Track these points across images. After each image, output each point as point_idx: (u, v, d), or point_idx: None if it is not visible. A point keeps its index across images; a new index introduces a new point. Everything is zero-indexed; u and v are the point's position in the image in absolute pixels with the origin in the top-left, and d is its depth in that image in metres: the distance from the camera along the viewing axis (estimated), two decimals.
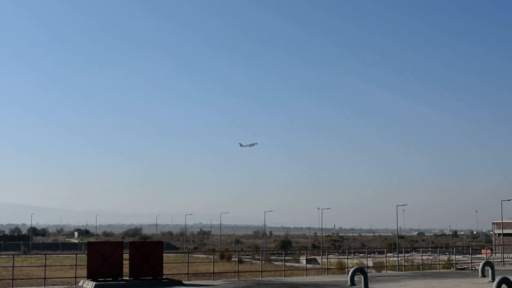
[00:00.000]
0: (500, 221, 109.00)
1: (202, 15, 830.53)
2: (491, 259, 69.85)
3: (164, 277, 30.85)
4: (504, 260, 60.70)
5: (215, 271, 37.49)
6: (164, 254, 31.06)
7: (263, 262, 55.70)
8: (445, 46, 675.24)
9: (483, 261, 35.36)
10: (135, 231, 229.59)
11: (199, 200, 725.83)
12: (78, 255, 37.68)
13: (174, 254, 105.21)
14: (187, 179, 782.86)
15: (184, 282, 31.96)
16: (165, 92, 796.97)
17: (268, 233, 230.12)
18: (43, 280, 32.50)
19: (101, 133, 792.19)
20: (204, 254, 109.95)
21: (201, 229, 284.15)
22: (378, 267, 62.09)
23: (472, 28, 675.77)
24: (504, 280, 21.05)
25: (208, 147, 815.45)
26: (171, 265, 65.03)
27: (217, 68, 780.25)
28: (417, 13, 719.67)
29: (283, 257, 54.06)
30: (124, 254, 29.79)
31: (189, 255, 53.81)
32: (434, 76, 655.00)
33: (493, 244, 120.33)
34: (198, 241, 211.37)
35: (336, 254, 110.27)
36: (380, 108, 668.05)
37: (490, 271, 32.00)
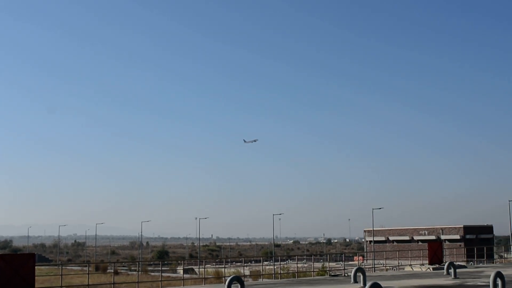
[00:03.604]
0: (371, 228, 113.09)
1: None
2: (363, 265, 72.33)
3: None
4: (375, 266, 62.91)
5: (90, 283, 36.63)
6: (36, 267, 29.98)
7: (139, 273, 54.92)
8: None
9: (355, 268, 36.48)
10: (4, 244, 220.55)
11: (73, 211, 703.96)
12: None
13: (47, 267, 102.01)
14: (60, 189, 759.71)
15: None
16: (35, 99, 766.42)
17: (144, 244, 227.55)
18: None
19: None
20: (79, 266, 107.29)
21: (75, 241, 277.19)
22: (255, 275, 62.84)
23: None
24: (374, 286, 21.81)
25: (81, 156, 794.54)
26: (44, 278, 62.94)
27: (93, 74, 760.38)
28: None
29: (160, 268, 53.56)
30: None
31: (63, 267, 52.26)
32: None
33: (365, 251, 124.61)
34: (73, 252, 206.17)
35: (214, 263, 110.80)
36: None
37: (362, 277, 33.04)
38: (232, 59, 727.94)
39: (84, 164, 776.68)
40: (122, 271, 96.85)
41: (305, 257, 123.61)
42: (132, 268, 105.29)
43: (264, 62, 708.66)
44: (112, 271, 55.86)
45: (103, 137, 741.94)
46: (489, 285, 26.46)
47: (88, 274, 38.31)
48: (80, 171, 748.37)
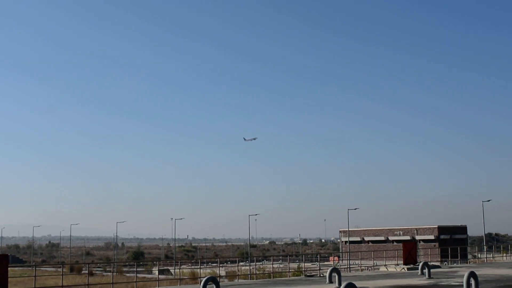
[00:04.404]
0: (347, 229, 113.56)
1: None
2: (338, 266, 72.64)
3: None
4: (351, 266, 63.21)
5: (64, 284, 36.35)
6: (9, 268, 29.71)
7: (114, 274, 54.62)
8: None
9: (330, 268, 36.61)
10: None
11: (47, 212, 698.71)
12: None
13: (20, 268, 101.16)
14: (35, 190, 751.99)
15: None
16: (6, 99, 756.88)
17: (120, 245, 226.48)
18: None
19: None
20: (53, 267, 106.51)
21: (49, 242, 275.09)
22: (231, 276, 62.84)
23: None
24: (349, 286, 21.91)
25: (55, 157, 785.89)
26: (17, 279, 62.45)
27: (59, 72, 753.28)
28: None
29: (135, 269, 53.35)
30: None
31: (37, 268, 51.85)
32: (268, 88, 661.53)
33: (340, 251, 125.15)
34: (47, 253, 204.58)
35: (189, 264, 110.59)
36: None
37: (337, 277, 33.16)
38: (203, 58, 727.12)
39: (58, 165, 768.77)
40: (97, 272, 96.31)
41: (280, 257, 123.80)
42: (107, 269, 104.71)
43: (238, 62, 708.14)
44: (87, 272, 55.48)
45: (77, 139, 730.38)
46: (462, 285, 26.68)
47: (63, 275, 38.01)
48: (55, 172, 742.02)
